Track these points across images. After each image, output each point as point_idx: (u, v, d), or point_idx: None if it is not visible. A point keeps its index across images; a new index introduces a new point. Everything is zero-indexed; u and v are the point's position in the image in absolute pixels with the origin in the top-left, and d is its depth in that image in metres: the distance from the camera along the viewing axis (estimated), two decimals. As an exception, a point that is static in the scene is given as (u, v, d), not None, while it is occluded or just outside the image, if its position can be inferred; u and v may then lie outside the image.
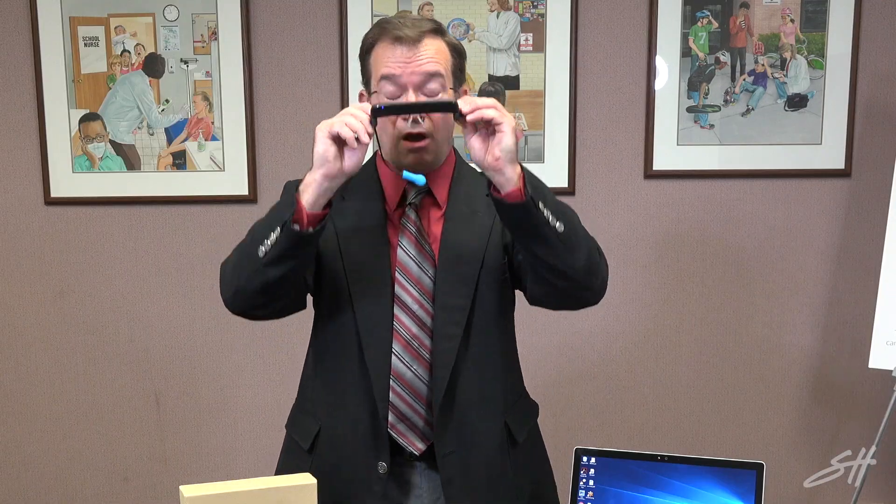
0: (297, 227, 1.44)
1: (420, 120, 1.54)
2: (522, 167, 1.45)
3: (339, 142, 1.44)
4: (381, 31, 1.57)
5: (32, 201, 2.79)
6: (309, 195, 1.45)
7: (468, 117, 1.41)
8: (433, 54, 1.55)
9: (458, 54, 1.61)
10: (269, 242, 1.46)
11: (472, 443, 1.63)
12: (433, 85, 1.55)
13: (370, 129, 1.44)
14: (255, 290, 1.51)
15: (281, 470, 1.72)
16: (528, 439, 1.73)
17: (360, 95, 1.66)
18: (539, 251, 1.49)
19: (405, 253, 1.59)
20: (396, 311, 1.58)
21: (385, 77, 1.55)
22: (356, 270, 1.59)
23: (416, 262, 1.59)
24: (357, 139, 1.42)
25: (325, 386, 1.66)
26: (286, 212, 1.45)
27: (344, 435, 1.63)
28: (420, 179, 1.53)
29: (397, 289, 1.58)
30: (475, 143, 1.43)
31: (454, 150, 1.71)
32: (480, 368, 1.63)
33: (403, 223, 1.61)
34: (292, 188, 1.48)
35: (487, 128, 1.42)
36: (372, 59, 1.59)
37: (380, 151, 1.68)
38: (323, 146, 1.44)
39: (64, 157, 2.75)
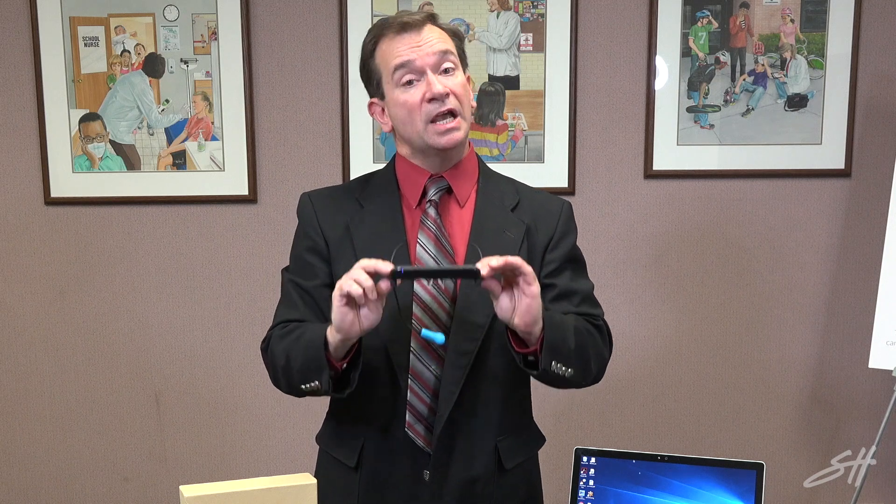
0: (332, 373, 1.50)
1: (444, 99, 1.54)
2: (545, 321, 1.48)
3: (353, 302, 1.43)
4: (380, 29, 1.57)
5: (32, 201, 2.79)
6: (334, 351, 1.49)
7: (494, 266, 1.41)
8: (438, 35, 1.56)
9: (458, 38, 1.62)
10: (309, 386, 1.53)
11: (461, 459, 1.62)
12: (447, 63, 1.56)
13: (382, 290, 1.42)
14: (302, 396, 1.60)
15: (325, 491, 1.70)
16: (521, 469, 1.70)
17: (370, 105, 1.64)
18: (547, 384, 1.58)
19: (424, 251, 1.58)
20: (415, 309, 1.57)
21: (400, 66, 1.54)
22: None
23: (434, 259, 1.58)
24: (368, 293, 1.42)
25: (360, 395, 1.62)
26: (321, 373, 1.49)
27: (387, 445, 1.62)
28: (439, 338, 1.49)
29: (416, 286, 1.57)
30: (504, 302, 1.45)
31: (476, 154, 1.69)
32: (483, 388, 1.61)
33: (423, 220, 1.60)
34: (320, 342, 1.49)
35: (512, 278, 1.44)
36: (377, 59, 1.58)
37: (398, 151, 1.66)
38: (339, 315, 1.43)
39: (64, 157, 2.75)
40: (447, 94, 1.54)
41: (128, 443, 2.90)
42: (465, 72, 1.62)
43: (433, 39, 1.55)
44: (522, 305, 1.44)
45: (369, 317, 1.44)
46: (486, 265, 1.41)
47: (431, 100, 1.53)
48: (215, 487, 1.33)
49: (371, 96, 1.64)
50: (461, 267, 1.46)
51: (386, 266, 1.40)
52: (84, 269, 2.82)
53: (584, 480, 1.70)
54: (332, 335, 1.47)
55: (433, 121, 1.55)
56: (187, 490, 1.31)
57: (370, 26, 1.63)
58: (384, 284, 1.42)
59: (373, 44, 1.58)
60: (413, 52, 1.53)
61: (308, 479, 1.37)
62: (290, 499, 1.35)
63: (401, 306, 1.56)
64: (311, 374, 1.51)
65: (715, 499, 1.65)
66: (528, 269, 1.43)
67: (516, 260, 1.41)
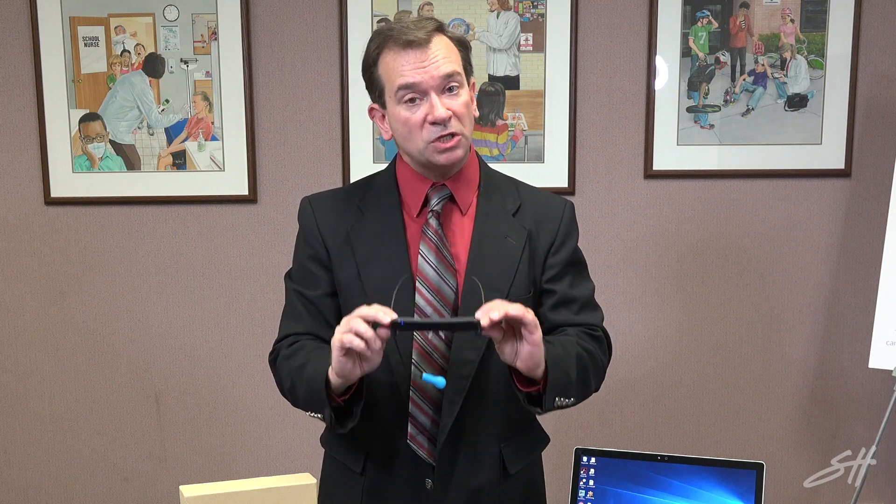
0: (334, 405, 1.49)
1: (446, 123, 1.52)
2: (547, 362, 1.46)
3: (354, 352, 1.41)
4: (385, 39, 1.54)
5: (32, 201, 2.78)
6: (335, 389, 1.48)
7: (494, 318, 1.38)
8: (446, 53, 1.53)
9: (464, 47, 1.59)
10: (313, 415, 1.53)
11: (465, 468, 1.61)
12: (453, 83, 1.53)
13: (380, 343, 1.40)
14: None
15: (331, 492, 1.69)
16: (524, 472, 1.69)
17: (371, 110, 1.63)
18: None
19: (425, 261, 1.57)
20: (416, 318, 1.55)
21: (405, 87, 1.51)
22: (377, 293, 1.55)
23: (435, 271, 1.57)
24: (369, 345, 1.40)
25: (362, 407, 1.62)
26: (323, 409, 1.49)
27: (390, 455, 1.62)
28: (440, 382, 1.48)
29: (417, 297, 1.56)
30: (507, 348, 1.44)
31: (477, 154, 1.68)
32: (485, 396, 1.60)
33: (425, 231, 1.59)
34: (323, 362, 1.48)
35: (515, 325, 1.42)
36: (381, 69, 1.55)
37: (399, 155, 1.65)
38: (339, 364, 1.42)
39: (64, 157, 2.75)
40: (449, 118, 1.52)
41: (128, 443, 2.90)
42: (469, 80, 1.60)
43: (439, 58, 1.51)
44: (524, 352, 1.42)
45: (369, 362, 1.42)
46: (486, 315, 1.38)
47: (434, 122, 1.52)
48: (215, 487, 1.33)
49: (374, 101, 1.62)
50: (461, 319, 1.44)
51: (386, 317, 1.38)
52: (84, 269, 2.82)
53: (584, 480, 1.70)
54: (332, 376, 1.46)
55: (433, 140, 1.54)
56: (187, 490, 1.31)
57: (376, 28, 1.60)
58: (383, 332, 1.39)
59: (377, 52, 1.55)
60: (418, 73, 1.50)
61: (308, 479, 1.37)
62: (290, 499, 1.35)
63: (400, 343, 1.55)
64: (313, 406, 1.52)
65: (715, 499, 1.65)
66: (529, 318, 1.40)
67: (517, 312, 1.39)
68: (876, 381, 2.90)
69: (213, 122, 2.76)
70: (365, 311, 1.39)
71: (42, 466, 2.90)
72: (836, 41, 2.79)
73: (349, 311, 1.45)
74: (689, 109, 2.82)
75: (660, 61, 2.80)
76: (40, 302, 2.83)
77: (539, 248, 1.63)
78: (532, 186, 1.71)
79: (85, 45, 2.71)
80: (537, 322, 1.42)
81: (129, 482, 2.92)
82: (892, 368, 2.52)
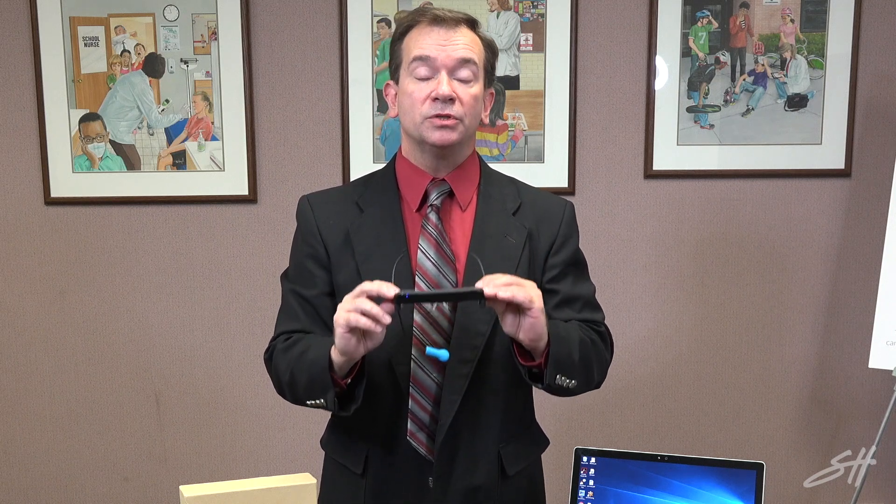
0: (337, 389, 1.50)
1: (451, 100, 1.52)
2: (550, 336, 1.47)
3: (359, 330, 1.41)
4: (418, 15, 1.57)
5: (32, 201, 2.79)
6: (339, 370, 1.48)
7: (500, 297, 1.40)
8: (469, 42, 1.55)
9: (492, 51, 1.61)
10: (314, 402, 1.53)
11: (464, 467, 1.61)
12: (466, 72, 1.54)
13: (389, 319, 1.40)
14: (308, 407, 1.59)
15: (332, 495, 1.69)
16: (524, 473, 1.69)
17: (386, 86, 1.64)
18: (549, 394, 1.58)
19: (425, 256, 1.57)
20: (417, 317, 1.56)
21: (419, 58, 1.53)
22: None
23: (435, 265, 1.57)
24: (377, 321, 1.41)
25: (362, 404, 1.59)
26: (326, 393, 1.49)
27: (390, 453, 1.61)
28: (444, 355, 1.49)
29: (416, 292, 1.56)
30: (509, 318, 1.45)
31: (478, 155, 1.68)
32: (484, 395, 1.60)
33: (424, 225, 1.59)
34: (323, 351, 1.49)
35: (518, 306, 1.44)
36: (405, 42, 1.58)
37: (399, 151, 1.66)
38: (343, 341, 1.42)
39: (64, 157, 2.75)
40: (452, 99, 1.53)
41: (128, 443, 2.90)
42: (488, 86, 1.61)
43: (460, 43, 1.53)
44: (526, 323, 1.44)
45: (373, 338, 1.43)
46: (490, 284, 1.40)
47: (436, 99, 1.53)
48: (215, 487, 1.33)
49: (391, 77, 1.64)
50: (465, 289, 1.45)
51: (390, 290, 1.39)
52: (84, 269, 2.82)
53: (584, 480, 1.70)
54: (335, 356, 1.47)
55: (431, 115, 1.54)
56: (187, 490, 1.31)
57: (410, 10, 1.63)
58: (387, 307, 1.40)
59: (405, 27, 1.58)
60: (436, 49, 1.53)
61: (308, 479, 1.37)
62: (290, 499, 1.35)
63: (403, 316, 1.55)
64: (315, 392, 1.51)
65: (715, 499, 1.65)
66: (535, 304, 1.42)
67: (520, 294, 1.41)
68: (876, 381, 2.90)
69: (213, 122, 2.76)
70: (368, 286, 1.40)
71: (42, 466, 2.90)
72: (836, 41, 2.80)
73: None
74: (689, 109, 2.82)
75: (660, 61, 2.80)
76: (40, 302, 2.83)
77: (539, 249, 1.63)
78: (532, 186, 1.72)
79: (85, 45, 2.71)
80: (533, 299, 1.42)
81: (129, 482, 2.92)
82: (892, 368, 2.53)
